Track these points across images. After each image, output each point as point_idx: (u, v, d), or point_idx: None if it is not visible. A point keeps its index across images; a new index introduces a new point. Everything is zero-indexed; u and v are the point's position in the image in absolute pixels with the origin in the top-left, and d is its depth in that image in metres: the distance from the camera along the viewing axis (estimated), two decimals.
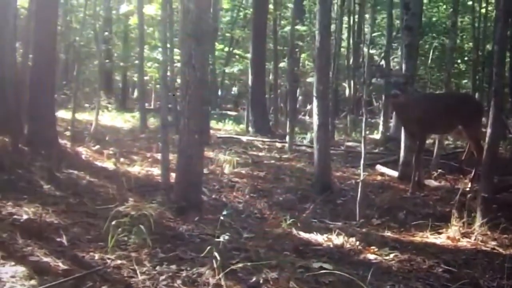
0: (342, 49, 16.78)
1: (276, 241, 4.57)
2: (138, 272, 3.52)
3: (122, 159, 7.69)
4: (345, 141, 12.01)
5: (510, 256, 4.43)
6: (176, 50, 12.58)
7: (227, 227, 4.67)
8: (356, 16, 16.77)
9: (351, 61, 16.22)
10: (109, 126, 12.16)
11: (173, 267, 3.65)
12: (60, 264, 3.55)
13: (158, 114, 10.30)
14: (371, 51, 15.73)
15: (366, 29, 18.84)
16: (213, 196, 6.14)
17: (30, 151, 6.94)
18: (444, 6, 17.64)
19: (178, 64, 9.49)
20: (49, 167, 6.19)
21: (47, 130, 7.48)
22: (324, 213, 5.97)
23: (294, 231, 4.91)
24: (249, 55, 14.98)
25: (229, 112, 19.54)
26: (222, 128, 14.06)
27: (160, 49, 13.51)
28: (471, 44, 16.02)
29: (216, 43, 18.64)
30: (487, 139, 5.32)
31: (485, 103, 11.99)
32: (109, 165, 7.27)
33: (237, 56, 22.37)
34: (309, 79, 19.33)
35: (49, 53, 7.71)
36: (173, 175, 5.78)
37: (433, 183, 7.44)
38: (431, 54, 15.62)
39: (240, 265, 3.67)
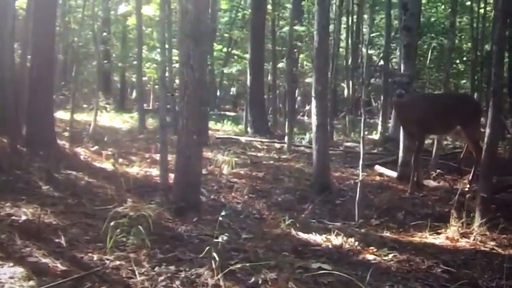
0: (341, 50, 16.79)
1: (275, 241, 4.57)
2: (136, 272, 3.52)
3: (120, 160, 7.69)
4: (344, 142, 12.01)
5: (509, 256, 4.44)
6: (174, 51, 12.61)
7: (226, 228, 4.67)
8: (355, 17, 16.79)
9: (349, 61, 16.23)
10: (108, 127, 12.15)
11: (172, 267, 3.65)
12: (59, 265, 3.55)
13: (157, 114, 10.30)
14: (369, 52, 15.71)
15: (364, 30, 18.87)
16: (212, 197, 6.14)
17: (29, 152, 6.94)
18: (443, 7, 17.66)
19: (177, 65, 9.47)
20: (47, 168, 6.19)
21: (45, 131, 7.49)
22: (323, 214, 5.97)
23: (293, 232, 4.91)
24: (247, 56, 14.96)
25: (227, 113, 19.53)
26: (221, 128, 14.06)
27: (158, 50, 13.48)
28: (469, 44, 16.03)
29: (215, 44, 18.61)
30: (486, 139, 5.32)
31: (483, 103, 11.99)
32: (108, 165, 7.26)
33: (235, 57, 22.36)
34: (307, 80, 19.34)
35: (48, 53, 7.71)
36: (171, 175, 5.77)
37: (432, 183, 7.44)
38: (429, 54, 15.63)
39: (238, 265, 3.67)
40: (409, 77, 7.27)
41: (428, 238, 5.06)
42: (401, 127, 7.76)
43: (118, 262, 3.68)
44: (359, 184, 5.73)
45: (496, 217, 5.28)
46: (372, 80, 15.66)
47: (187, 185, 5.35)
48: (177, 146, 5.46)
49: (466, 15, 16.03)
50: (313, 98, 6.93)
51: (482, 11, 14.77)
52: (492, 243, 4.83)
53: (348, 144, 11.66)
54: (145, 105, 14.54)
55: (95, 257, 3.78)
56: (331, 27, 13.38)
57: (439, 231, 5.14)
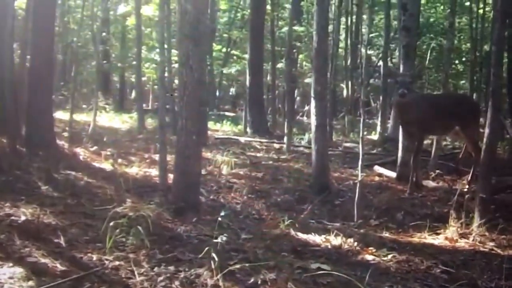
0: (340, 50, 16.74)
1: (274, 242, 4.57)
2: (136, 273, 3.52)
3: (120, 160, 7.69)
4: (343, 142, 12.00)
5: (508, 256, 4.44)
6: (173, 51, 12.63)
7: (225, 228, 4.67)
8: (354, 17, 16.75)
9: (348, 61, 16.20)
10: (107, 127, 12.15)
11: (171, 268, 3.65)
12: (58, 265, 3.55)
13: (156, 115, 10.30)
14: (369, 52, 15.69)
15: (364, 30, 18.84)
16: (211, 197, 6.14)
17: (28, 152, 6.95)
18: (442, 7, 17.66)
19: (176, 65, 9.50)
20: (46, 168, 6.19)
21: (45, 131, 7.49)
22: (322, 214, 5.97)
23: (292, 232, 4.91)
24: (247, 56, 14.97)
25: (227, 113, 19.52)
26: (220, 129, 14.05)
27: (157, 50, 13.51)
28: (468, 44, 16.02)
29: (214, 44, 18.59)
30: (485, 139, 5.33)
31: (483, 103, 12.00)
32: (107, 166, 7.26)
33: (235, 57, 22.34)
34: (307, 80, 19.34)
35: (47, 54, 7.71)
36: (171, 176, 5.77)
37: (431, 183, 7.44)
38: (428, 54, 15.62)
39: (238, 266, 3.68)
40: (411, 76, 7.27)
41: (427, 238, 5.06)
42: (401, 127, 7.76)
43: (117, 262, 3.68)
44: (358, 185, 5.73)
45: (495, 217, 5.29)
46: (371, 81, 15.70)
47: (186, 186, 5.36)
48: (176, 146, 5.46)
49: (465, 16, 16.03)
50: (312, 99, 6.93)
51: (481, 11, 14.78)
52: (491, 243, 4.83)
53: (347, 144, 11.66)
54: (144, 105, 14.53)
55: (95, 257, 3.79)
56: (330, 27, 13.38)
57: (438, 231, 5.14)
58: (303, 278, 3.67)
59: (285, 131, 10.55)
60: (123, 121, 13.88)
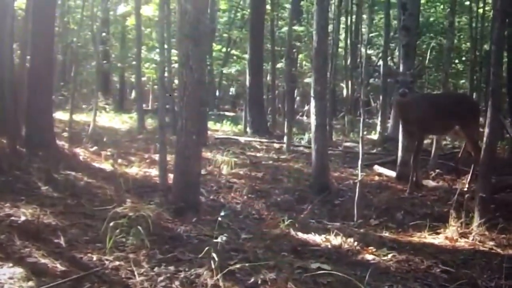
0: (340, 50, 16.74)
1: (274, 241, 4.57)
2: (136, 273, 3.52)
3: (120, 160, 7.69)
4: (343, 142, 12.01)
5: (508, 256, 4.44)
6: (173, 51, 12.63)
7: (225, 228, 4.68)
8: (354, 17, 16.74)
9: (348, 61, 16.20)
10: (107, 127, 12.15)
11: (171, 268, 3.66)
12: (58, 265, 3.56)
13: (156, 115, 10.30)
14: (368, 52, 15.70)
15: (363, 30, 18.85)
16: (211, 197, 6.14)
17: (28, 152, 6.95)
18: (442, 6, 17.65)
19: (176, 65, 9.49)
20: (46, 168, 6.19)
21: (44, 131, 7.49)
22: (322, 214, 5.97)
23: (292, 232, 4.91)
24: (246, 56, 14.97)
25: (227, 113, 19.54)
26: (220, 129, 14.06)
27: (157, 50, 13.50)
28: (468, 44, 16.02)
29: (214, 44, 18.58)
30: (485, 139, 5.32)
31: (482, 103, 12.00)
32: (107, 166, 7.26)
33: (234, 57, 22.35)
34: (306, 80, 19.35)
35: (47, 54, 7.71)
36: (171, 176, 5.77)
37: (431, 183, 7.44)
38: (428, 54, 15.62)
39: (238, 266, 3.68)
40: (412, 76, 7.26)
41: (427, 238, 5.06)
42: (401, 127, 7.76)
43: (117, 263, 3.69)
44: (358, 184, 5.74)
45: (495, 217, 5.29)
46: (371, 80, 15.71)
47: (186, 186, 5.36)
48: (176, 147, 5.46)
49: (465, 15, 16.03)
50: (312, 98, 6.93)
51: (481, 11, 14.78)
52: (491, 243, 4.83)
53: (347, 144, 11.66)
54: (144, 105, 14.54)
55: (95, 257, 3.79)
56: (330, 27, 13.38)
57: (438, 231, 5.14)
58: (303, 278, 3.67)
59: (285, 131, 10.55)
60: (123, 121, 13.88)
